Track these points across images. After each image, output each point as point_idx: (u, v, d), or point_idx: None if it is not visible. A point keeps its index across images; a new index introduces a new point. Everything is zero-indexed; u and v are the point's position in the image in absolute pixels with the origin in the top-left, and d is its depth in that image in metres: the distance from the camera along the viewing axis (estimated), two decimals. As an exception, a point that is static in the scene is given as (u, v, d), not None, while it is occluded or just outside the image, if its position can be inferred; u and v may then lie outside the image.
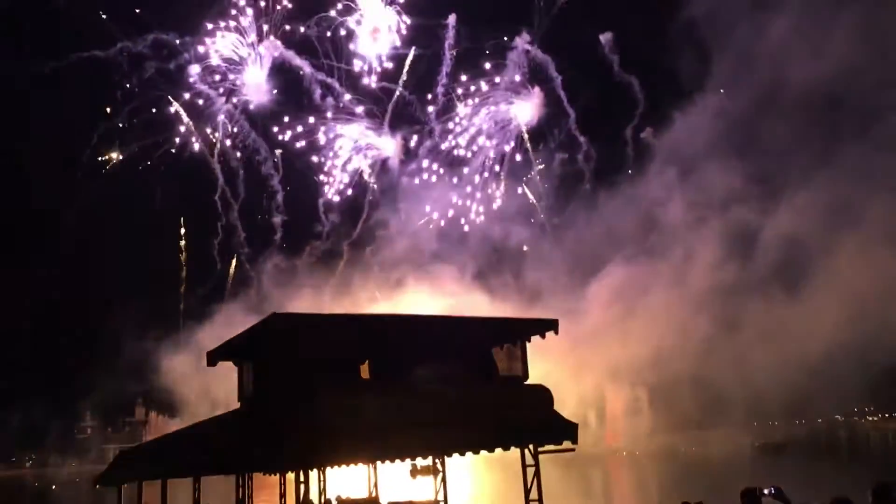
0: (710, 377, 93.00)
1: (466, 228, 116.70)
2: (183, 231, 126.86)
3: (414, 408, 16.70)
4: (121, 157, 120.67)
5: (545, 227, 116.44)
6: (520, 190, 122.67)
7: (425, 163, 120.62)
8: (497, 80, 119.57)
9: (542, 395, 18.54)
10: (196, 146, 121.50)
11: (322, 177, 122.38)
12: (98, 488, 25.83)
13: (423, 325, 19.51)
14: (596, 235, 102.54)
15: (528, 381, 19.31)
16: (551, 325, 19.47)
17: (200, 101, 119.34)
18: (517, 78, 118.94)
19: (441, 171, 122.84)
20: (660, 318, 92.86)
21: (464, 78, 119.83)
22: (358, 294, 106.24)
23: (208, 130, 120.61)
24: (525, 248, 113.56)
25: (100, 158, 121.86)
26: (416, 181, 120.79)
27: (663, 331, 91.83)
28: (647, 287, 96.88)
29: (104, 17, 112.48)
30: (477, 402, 17.64)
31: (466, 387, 17.69)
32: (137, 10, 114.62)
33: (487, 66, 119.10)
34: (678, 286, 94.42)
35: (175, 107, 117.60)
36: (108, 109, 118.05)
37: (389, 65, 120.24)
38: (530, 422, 18.09)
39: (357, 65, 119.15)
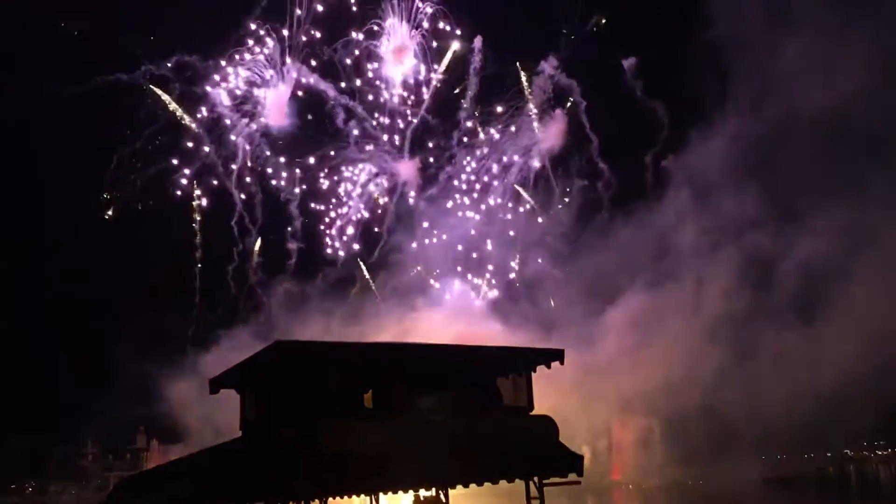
0: (720, 409, 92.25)
1: (479, 303, 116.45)
2: (199, 255, 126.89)
3: (417, 438, 16.51)
4: (138, 181, 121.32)
5: (561, 255, 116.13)
6: (539, 220, 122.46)
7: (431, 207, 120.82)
8: (521, 105, 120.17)
9: (548, 426, 18.34)
10: (216, 170, 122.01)
11: (325, 228, 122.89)
12: (97, 517, 25.50)
13: (428, 354, 19.34)
14: (612, 264, 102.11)
15: (534, 412, 19.11)
16: (557, 355, 19.30)
17: (221, 125, 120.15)
18: (540, 105, 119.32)
19: (461, 200, 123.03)
20: (672, 349, 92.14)
21: (487, 103, 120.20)
22: (369, 321, 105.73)
23: (227, 155, 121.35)
24: (543, 282, 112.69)
25: (111, 196, 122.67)
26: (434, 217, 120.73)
27: (675, 361, 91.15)
28: (660, 316, 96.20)
29: (124, 42, 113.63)
30: (481, 432, 17.44)
31: (470, 417, 17.50)
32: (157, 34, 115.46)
33: (513, 90, 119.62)
34: (692, 315, 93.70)
35: (195, 130, 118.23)
36: (129, 132, 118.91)
37: (412, 89, 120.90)
38: (535, 453, 17.88)
39: (380, 88, 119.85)
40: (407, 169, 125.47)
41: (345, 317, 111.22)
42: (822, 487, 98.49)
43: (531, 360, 19.52)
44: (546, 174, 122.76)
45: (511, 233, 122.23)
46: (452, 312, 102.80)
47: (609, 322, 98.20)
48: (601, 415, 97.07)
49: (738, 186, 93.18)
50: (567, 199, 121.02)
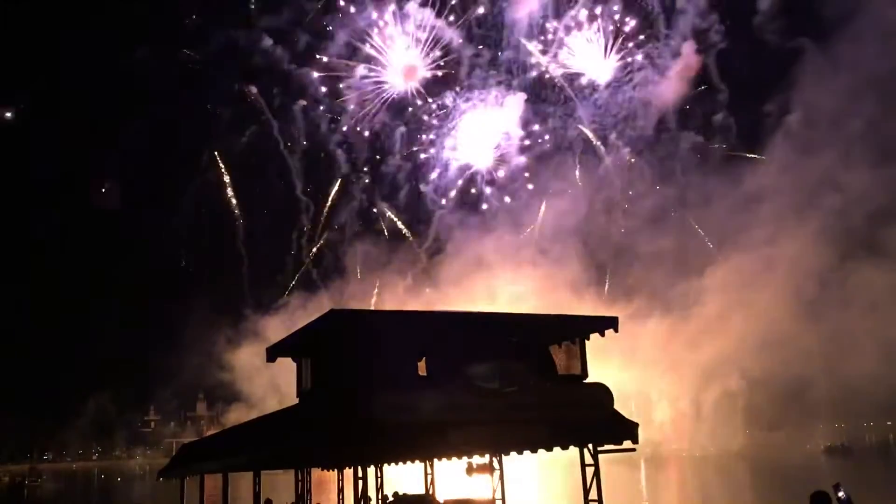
0: (796, 373, 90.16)
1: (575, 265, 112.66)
2: (310, 217, 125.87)
3: (471, 405, 16.58)
4: (254, 127, 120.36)
5: (663, 216, 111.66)
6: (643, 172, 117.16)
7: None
8: (653, 49, 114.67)
9: (602, 393, 18.24)
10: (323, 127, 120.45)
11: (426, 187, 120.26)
12: (161, 481, 26.31)
13: (481, 322, 19.36)
14: (713, 225, 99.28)
15: (589, 380, 19.02)
16: (611, 322, 19.14)
17: (336, 76, 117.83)
18: (673, 51, 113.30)
19: (574, 152, 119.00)
20: (756, 313, 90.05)
21: (621, 46, 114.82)
22: (453, 290, 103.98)
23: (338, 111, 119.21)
24: (642, 247, 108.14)
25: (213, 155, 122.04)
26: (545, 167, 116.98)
27: (756, 326, 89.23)
28: (753, 280, 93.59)
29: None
30: (534, 400, 17.43)
31: (524, 385, 17.49)
32: None
33: (646, 34, 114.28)
34: (781, 276, 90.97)
35: (311, 78, 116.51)
36: (237, 88, 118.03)
37: (537, 34, 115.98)
38: (589, 421, 17.82)
39: (501, 35, 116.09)
40: (519, 123, 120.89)
41: (435, 280, 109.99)
42: (883, 456, 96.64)
43: (584, 327, 19.40)
44: (668, 128, 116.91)
45: (622, 192, 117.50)
46: (547, 276, 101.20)
47: (696, 288, 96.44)
48: (668, 384, 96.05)
49: (848, 133, 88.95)
50: (680, 161, 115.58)
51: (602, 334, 19.27)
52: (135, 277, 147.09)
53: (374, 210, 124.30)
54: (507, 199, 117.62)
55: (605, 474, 18.03)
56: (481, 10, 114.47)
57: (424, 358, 17.49)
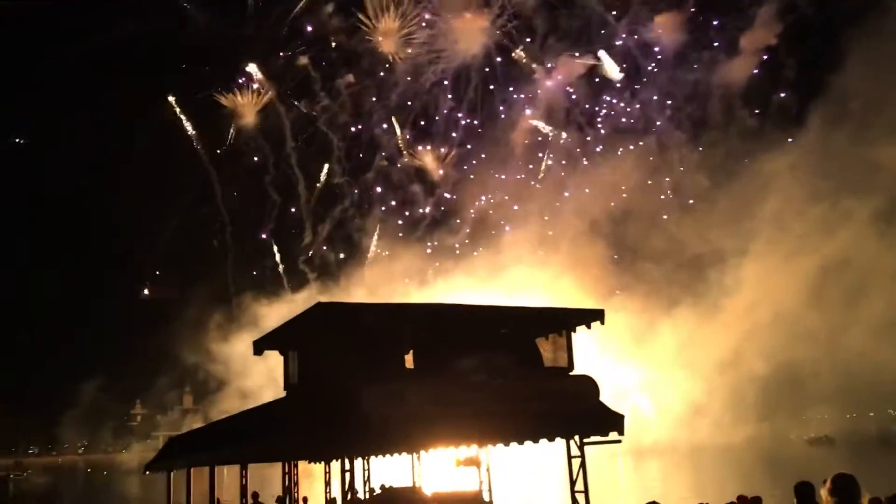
0: (799, 364, 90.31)
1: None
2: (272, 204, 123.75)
3: (458, 398, 16.60)
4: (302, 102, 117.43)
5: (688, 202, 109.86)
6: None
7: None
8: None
9: (588, 385, 18.30)
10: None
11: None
12: (147, 474, 26.25)
13: (468, 315, 19.37)
14: (741, 213, 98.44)
15: (575, 372, 19.08)
16: (597, 315, 19.19)
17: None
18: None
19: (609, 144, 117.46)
20: (772, 304, 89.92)
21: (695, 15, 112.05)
22: (481, 280, 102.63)
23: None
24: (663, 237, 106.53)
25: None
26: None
27: (767, 319, 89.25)
28: (768, 269, 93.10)
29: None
30: (521, 392, 17.47)
31: (511, 377, 17.53)
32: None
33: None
34: (805, 261, 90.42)
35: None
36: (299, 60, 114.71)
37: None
38: (575, 413, 17.87)
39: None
40: (584, 97, 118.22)
41: (464, 268, 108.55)
42: (866, 448, 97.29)
43: (571, 319, 19.43)
44: (728, 109, 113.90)
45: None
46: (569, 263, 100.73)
47: (721, 278, 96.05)
48: (681, 377, 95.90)
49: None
50: (733, 146, 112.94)
51: (588, 327, 19.32)
52: (130, 269, 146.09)
53: (412, 194, 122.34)
54: (557, 176, 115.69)
55: (603, 467, 18.09)
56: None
57: (411, 350, 17.50)
